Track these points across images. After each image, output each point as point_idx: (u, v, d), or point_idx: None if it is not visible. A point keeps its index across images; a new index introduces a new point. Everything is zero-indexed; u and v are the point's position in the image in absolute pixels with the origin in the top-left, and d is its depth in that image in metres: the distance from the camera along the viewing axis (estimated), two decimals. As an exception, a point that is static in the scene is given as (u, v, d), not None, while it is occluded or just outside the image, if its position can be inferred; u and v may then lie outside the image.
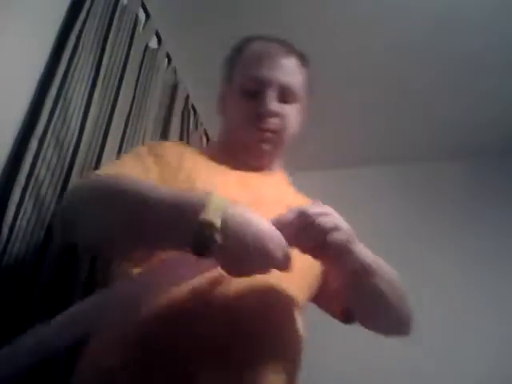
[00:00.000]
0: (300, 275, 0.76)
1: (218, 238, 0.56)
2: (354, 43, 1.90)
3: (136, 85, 1.45)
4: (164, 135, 1.62)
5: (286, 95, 0.89)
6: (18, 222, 0.91)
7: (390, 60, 1.96)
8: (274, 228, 0.61)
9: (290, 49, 0.95)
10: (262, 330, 0.67)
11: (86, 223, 0.69)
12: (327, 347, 2.05)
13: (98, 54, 1.24)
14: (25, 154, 0.96)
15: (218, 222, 0.56)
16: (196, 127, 1.97)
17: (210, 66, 1.97)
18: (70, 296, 0.98)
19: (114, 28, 1.31)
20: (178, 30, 1.78)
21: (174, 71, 1.81)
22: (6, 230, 0.88)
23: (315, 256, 0.66)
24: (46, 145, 1.00)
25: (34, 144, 0.98)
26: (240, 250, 0.57)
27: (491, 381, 1.91)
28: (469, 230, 2.30)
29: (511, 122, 2.23)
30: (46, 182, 0.99)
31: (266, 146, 0.89)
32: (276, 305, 0.72)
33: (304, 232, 0.62)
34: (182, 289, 0.65)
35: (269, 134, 0.88)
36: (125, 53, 1.38)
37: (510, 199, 2.33)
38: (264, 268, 0.60)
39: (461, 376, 1.95)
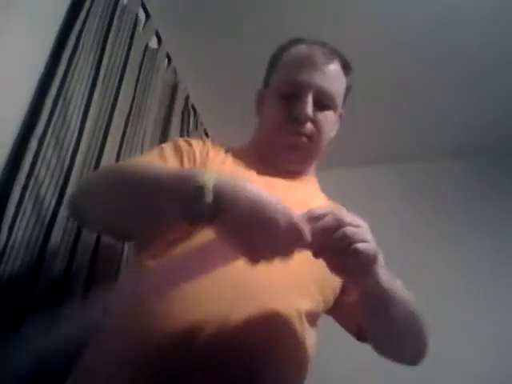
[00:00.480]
0: (316, 286, 0.74)
1: (210, 198, 0.54)
2: (354, 43, 1.90)
3: (136, 85, 1.45)
4: (164, 135, 1.62)
5: (323, 101, 0.87)
6: (18, 222, 0.91)
7: (391, 60, 1.96)
8: (277, 198, 0.56)
9: (334, 53, 0.92)
10: (269, 363, 0.64)
11: (95, 206, 0.70)
12: (327, 348, 2.05)
13: (98, 53, 1.24)
14: (25, 154, 0.96)
15: (209, 184, 0.55)
16: (196, 127, 1.97)
17: (210, 66, 1.98)
18: (68, 296, 0.98)
19: (113, 28, 1.31)
20: (178, 30, 1.78)
21: (174, 71, 1.81)
22: (5, 230, 0.88)
23: (332, 262, 0.61)
24: (45, 145, 1.00)
25: (33, 144, 0.98)
26: (236, 214, 0.54)
27: (491, 381, 1.90)
28: (469, 229, 2.30)
29: (511, 122, 2.23)
30: (46, 182, 0.99)
31: (299, 151, 0.87)
32: (283, 333, 0.68)
33: (331, 231, 0.58)
34: (193, 316, 0.62)
35: (303, 139, 0.86)
36: (125, 53, 1.38)
37: (510, 199, 2.33)
38: (267, 239, 0.54)
39: (461, 376, 1.95)
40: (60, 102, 1.06)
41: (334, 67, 0.90)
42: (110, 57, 1.29)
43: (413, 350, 0.83)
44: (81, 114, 1.13)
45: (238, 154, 0.89)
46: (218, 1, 1.75)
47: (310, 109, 0.84)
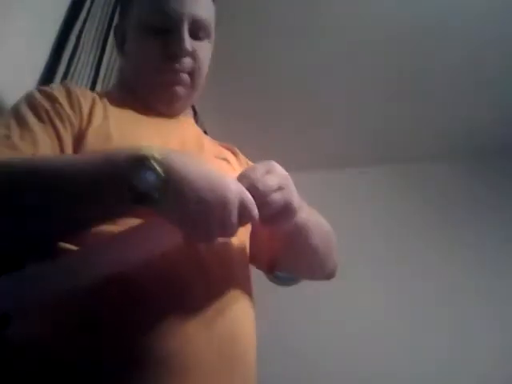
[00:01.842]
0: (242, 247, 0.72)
1: (155, 166, 0.49)
2: (354, 43, 1.90)
3: (136, 85, 1.45)
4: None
5: (197, 30, 0.78)
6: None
7: (391, 60, 1.96)
8: (225, 174, 0.55)
9: None
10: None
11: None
12: (328, 351, 2.06)
13: (98, 54, 1.24)
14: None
15: (151, 155, 0.50)
16: (196, 127, 1.97)
17: (210, 66, 1.98)
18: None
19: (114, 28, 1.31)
20: (178, 30, 1.78)
21: (174, 71, 1.81)
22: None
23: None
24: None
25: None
26: (183, 184, 0.50)
27: (491, 381, 1.91)
28: (469, 229, 2.30)
29: (511, 122, 2.24)
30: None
31: (180, 90, 0.78)
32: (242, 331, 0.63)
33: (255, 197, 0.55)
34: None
35: (184, 76, 0.78)
36: (125, 53, 1.38)
37: (510, 199, 2.33)
38: (218, 217, 0.51)
39: (461, 376, 1.95)
40: (60, 102, 1.06)
41: None
42: (110, 57, 1.29)
43: (332, 263, 0.83)
44: (81, 114, 1.13)
45: (115, 100, 0.77)
46: (218, 1, 1.75)
47: (188, 43, 0.76)
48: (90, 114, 0.70)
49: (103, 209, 0.55)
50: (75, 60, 1.13)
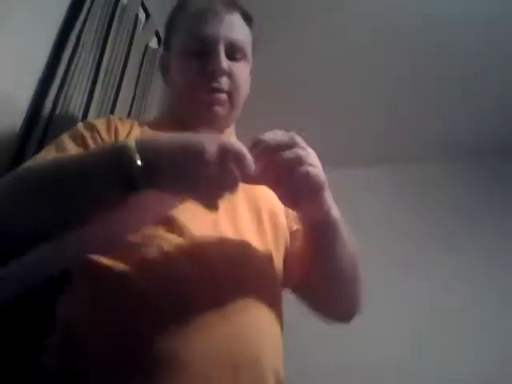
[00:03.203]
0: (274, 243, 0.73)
1: (136, 154, 0.51)
2: (354, 43, 1.90)
3: (136, 84, 1.45)
4: (164, 135, 1.62)
5: (234, 52, 0.82)
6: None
7: (391, 60, 1.96)
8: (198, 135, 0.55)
9: (233, 3, 0.87)
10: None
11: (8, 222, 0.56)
12: (328, 351, 2.06)
13: (98, 53, 1.24)
14: (26, 155, 0.96)
15: (132, 144, 0.52)
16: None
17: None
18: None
19: (113, 28, 1.31)
20: (178, 30, 1.78)
21: (174, 71, 1.81)
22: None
23: (280, 184, 0.59)
24: (46, 145, 1.00)
25: (34, 145, 0.98)
26: (165, 159, 0.52)
27: (491, 381, 1.91)
28: (469, 229, 2.31)
29: (511, 122, 2.24)
30: (46, 182, 0.99)
31: (219, 109, 0.81)
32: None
33: (283, 148, 0.57)
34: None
35: (222, 95, 0.80)
36: (125, 53, 1.38)
37: (510, 199, 2.33)
38: (204, 170, 0.51)
39: (460, 376, 1.95)
40: (60, 103, 1.06)
41: (237, 17, 0.86)
42: (110, 57, 1.29)
43: (349, 299, 0.77)
44: (81, 114, 1.13)
45: (154, 126, 0.82)
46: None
47: (224, 62, 0.79)
48: (126, 137, 0.74)
49: (95, 201, 0.55)
50: (75, 60, 1.13)
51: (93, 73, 1.21)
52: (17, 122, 1.00)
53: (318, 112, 2.23)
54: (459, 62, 1.95)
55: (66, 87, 1.09)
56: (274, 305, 0.69)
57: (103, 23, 1.28)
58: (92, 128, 0.75)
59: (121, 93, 1.31)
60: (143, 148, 0.52)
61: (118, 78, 1.32)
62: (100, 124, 0.76)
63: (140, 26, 1.53)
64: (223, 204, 0.55)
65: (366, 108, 2.21)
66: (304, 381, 1.99)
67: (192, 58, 0.81)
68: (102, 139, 0.73)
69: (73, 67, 1.12)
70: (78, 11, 1.18)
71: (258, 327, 0.63)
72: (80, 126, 0.77)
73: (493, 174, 2.39)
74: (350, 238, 0.71)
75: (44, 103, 1.03)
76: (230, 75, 0.81)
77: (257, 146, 0.56)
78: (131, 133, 0.76)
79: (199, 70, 0.80)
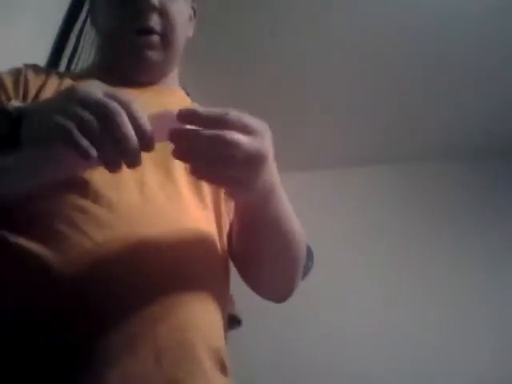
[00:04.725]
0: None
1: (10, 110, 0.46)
2: (355, 43, 1.90)
3: (136, 85, 1.45)
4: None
5: None
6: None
7: (391, 60, 1.96)
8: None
9: None
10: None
11: None
12: (327, 351, 2.06)
13: (98, 53, 1.24)
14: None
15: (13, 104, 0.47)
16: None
17: (210, 66, 1.98)
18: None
19: (113, 28, 1.31)
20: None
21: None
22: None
23: (208, 172, 0.44)
24: (46, 145, 1.00)
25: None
26: (35, 115, 0.45)
27: (491, 381, 1.91)
28: (469, 229, 2.30)
29: (511, 122, 2.24)
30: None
31: (151, 53, 0.68)
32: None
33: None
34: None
35: (153, 37, 0.67)
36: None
37: (510, 199, 2.33)
38: (57, 119, 0.41)
39: (460, 376, 1.95)
40: (60, 102, 1.07)
41: None
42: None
43: (279, 280, 0.64)
44: (81, 113, 1.14)
45: (78, 77, 0.68)
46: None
47: None
48: (37, 95, 0.62)
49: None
50: (75, 60, 1.13)
51: (93, 73, 1.21)
52: (17, 122, 1.00)
53: (318, 112, 2.23)
54: (459, 62, 1.95)
55: (65, 87, 1.09)
56: (212, 279, 0.58)
57: (103, 23, 1.28)
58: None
59: (121, 93, 1.31)
60: (25, 106, 0.47)
61: (117, 78, 1.33)
62: (7, 78, 0.63)
63: (140, 25, 1.53)
64: (152, 157, 0.45)
65: (366, 108, 2.20)
66: (304, 381, 2.00)
67: None
68: (7, 97, 0.60)
69: (73, 67, 1.12)
70: (78, 11, 1.18)
71: (185, 306, 0.53)
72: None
73: (493, 174, 2.39)
74: (287, 216, 0.58)
75: (44, 103, 1.03)
76: (162, 13, 0.67)
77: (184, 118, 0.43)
78: (45, 85, 0.63)
79: (125, 8, 0.66)
